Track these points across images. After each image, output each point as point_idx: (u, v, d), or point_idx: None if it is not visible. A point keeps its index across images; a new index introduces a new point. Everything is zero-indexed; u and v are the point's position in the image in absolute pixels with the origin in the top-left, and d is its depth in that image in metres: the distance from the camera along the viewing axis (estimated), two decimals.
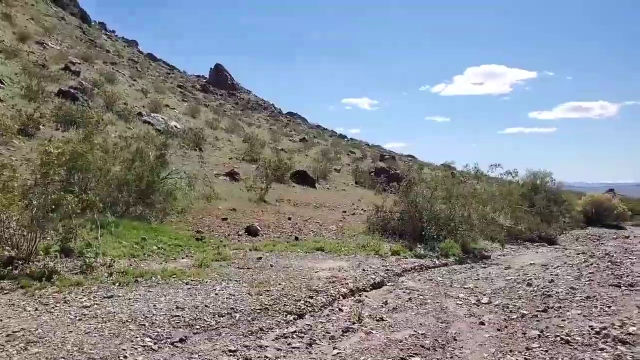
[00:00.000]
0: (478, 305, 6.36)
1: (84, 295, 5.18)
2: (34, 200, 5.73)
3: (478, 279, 8.20)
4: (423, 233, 11.22)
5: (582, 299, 6.37)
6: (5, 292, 4.98)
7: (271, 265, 7.58)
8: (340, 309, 5.93)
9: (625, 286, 7.02)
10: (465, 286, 7.53)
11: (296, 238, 10.32)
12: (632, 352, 4.41)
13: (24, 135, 12.89)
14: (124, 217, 9.02)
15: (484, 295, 6.91)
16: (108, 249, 6.97)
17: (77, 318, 4.58)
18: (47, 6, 52.13)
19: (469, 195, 12.89)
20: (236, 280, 6.44)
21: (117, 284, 5.70)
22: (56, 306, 4.80)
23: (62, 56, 28.52)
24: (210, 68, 68.99)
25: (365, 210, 14.67)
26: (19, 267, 5.59)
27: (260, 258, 8.08)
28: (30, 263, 5.76)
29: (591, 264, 9.18)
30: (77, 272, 5.88)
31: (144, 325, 4.60)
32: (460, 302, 6.51)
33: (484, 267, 9.51)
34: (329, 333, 5.02)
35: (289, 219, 12.23)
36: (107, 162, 9.08)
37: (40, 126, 14.17)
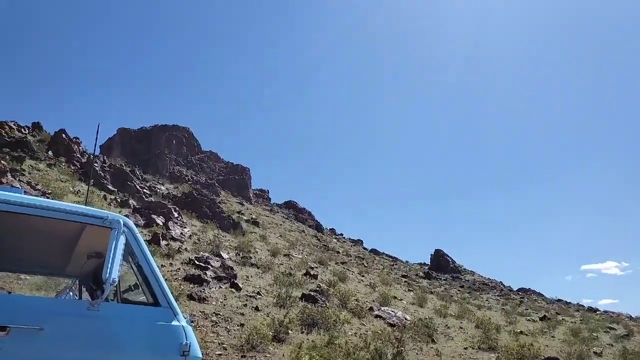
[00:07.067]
0: None
1: None
2: None
3: None
4: None
5: None
6: None
7: None
8: None
9: None
10: None
11: None
12: None
13: (276, 342, 14.41)
14: None
15: None
16: None
17: None
18: (291, 223, 63.32)
19: None
20: None
21: None
22: None
23: (303, 263, 33.01)
24: (430, 254, 70.01)
25: None
26: None
27: None
28: None
29: None
30: None
31: None
32: None
33: None
34: None
35: None
36: None
37: (289, 331, 15.77)
